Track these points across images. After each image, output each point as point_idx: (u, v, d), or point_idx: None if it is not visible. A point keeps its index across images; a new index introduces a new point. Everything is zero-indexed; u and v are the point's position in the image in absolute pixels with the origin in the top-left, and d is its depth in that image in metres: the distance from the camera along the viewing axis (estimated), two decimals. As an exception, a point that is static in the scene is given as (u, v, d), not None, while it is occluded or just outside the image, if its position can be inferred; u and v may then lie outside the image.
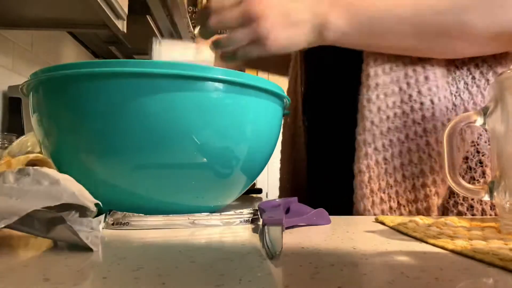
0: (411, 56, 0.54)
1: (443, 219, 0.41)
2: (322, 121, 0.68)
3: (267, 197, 0.88)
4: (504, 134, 0.33)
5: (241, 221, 0.41)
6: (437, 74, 0.55)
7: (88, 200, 0.31)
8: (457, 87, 0.56)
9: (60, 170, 0.45)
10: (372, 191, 0.53)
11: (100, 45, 1.44)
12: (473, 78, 0.56)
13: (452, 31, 0.48)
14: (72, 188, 0.30)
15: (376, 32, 0.50)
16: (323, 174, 0.68)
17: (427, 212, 0.53)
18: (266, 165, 0.53)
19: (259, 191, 1.04)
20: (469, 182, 0.49)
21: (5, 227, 0.26)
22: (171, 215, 0.39)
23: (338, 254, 0.27)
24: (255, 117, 0.46)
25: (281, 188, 0.78)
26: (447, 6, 0.46)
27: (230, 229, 0.39)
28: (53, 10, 0.86)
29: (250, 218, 0.41)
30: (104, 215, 0.35)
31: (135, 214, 0.38)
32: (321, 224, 0.41)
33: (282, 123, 0.56)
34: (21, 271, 0.23)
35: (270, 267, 0.24)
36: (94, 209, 0.32)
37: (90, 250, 0.28)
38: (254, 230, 0.38)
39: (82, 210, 0.31)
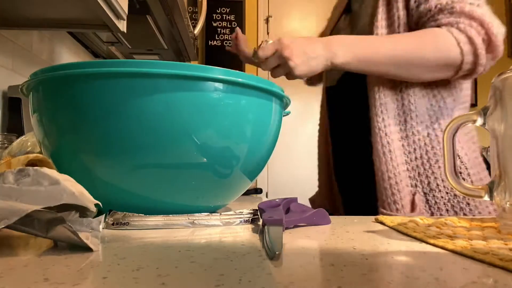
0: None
1: (443, 219, 0.41)
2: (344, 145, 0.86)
3: (267, 197, 0.88)
4: (504, 134, 0.33)
5: (241, 221, 0.41)
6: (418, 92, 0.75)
7: (88, 200, 0.31)
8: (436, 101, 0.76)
9: (60, 170, 0.45)
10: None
11: (100, 45, 1.44)
12: (461, 90, 0.77)
13: (415, 63, 0.70)
14: (72, 189, 0.30)
15: (369, 63, 0.70)
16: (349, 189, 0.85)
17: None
18: (266, 165, 0.53)
19: (259, 191, 1.03)
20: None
21: (5, 227, 0.26)
22: (171, 215, 0.39)
23: (338, 254, 0.27)
24: (255, 117, 0.46)
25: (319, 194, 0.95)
26: (414, 48, 0.69)
27: (230, 229, 0.39)
28: (53, 10, 0.86)
29: (250, 218, 0.41)
30: (104, 215, 0.35)
31: (135, 214, 0.38)
32: (321, 224, 0.41)
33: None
34: (21, 271, 0.23)
35: (270, 267, 0.24)
36: (94, 209, 0.32)
37: (90, 250, 0.28)
38: (254, 230, 0.38)
39: (82, 211, 0.31)
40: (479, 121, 0.36)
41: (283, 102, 0.51)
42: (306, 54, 0.67)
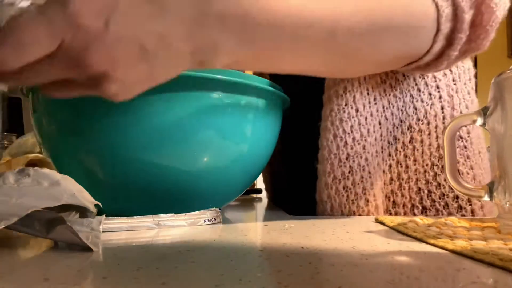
0: (358, 77, 0.52)
1: (443, 219, 0.41)
2: (296, 141, 0.68)
3: (267, 197, 0.88)
4: (504, 134, 0.33)
5: (204, 221, 0.41)
6: (383, 92, 0.55)
7: (88, 201, 0.31)
8: (404, 101, 0.56)
9: (60, 170, 0.45)
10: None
11: (100, 45, 1.44)
12: (419, 90, 0.56)
13: (365, 51, 0.43)
14: (72, 189, 0.30)
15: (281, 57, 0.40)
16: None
17: None
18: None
19: (259, 191, 1.04)
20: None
21: (5, 227, 0.26)
22: (135, 216, 0.39)
23: (338, 254, 0.27)
24: (255, 117, 0.46)
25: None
26: (359, 23, 0.40)
27: (230, 229, 0.39)
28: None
29: (213, 218, 0.42)
30: (104, 215, 0.35)
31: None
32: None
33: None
34: (21, 271, 0.23)
35: (270, 267, 0.24)
36: (94, 209, 0.32)
37: (90, 250, 0.28)
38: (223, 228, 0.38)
39: (83, 211, 0.31)
40: (479, 121, 0.36)
41: (283, 102, 0.51)
42: (143, 53, 0.30)
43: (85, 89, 0.31)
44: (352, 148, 0.53)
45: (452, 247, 0.29)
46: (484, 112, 0.36)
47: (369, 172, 0.53)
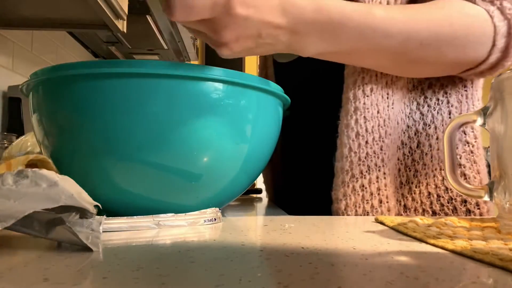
0: (386, 78, 0.55)
1: (443, 219, 0.41)
2: (297, 142, 0.69)
3: (267, 197, 0.88)
4: (504, 134, 0.33)
5: (205, 221, 0.41)
6: (397, 98, 0.57)
7: (87, 202, 0.31)
8: (410, 109, 0.58)
9: (60, 170, 0.45)
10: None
11: (100, 45, 1.44)
12: (425, 97, 0.59)
13: (429, 59, 0.51)
14: (70, 190, 0.30)
15: (358, 55, 0.50)
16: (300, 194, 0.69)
17: None
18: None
19: (259, 191, 1.03)
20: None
21: (4, 228, 0.26)
22: (135, 216, 0.38)
23: (338, 254, 0.27)
24: (255, 117, 0.46)
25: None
26: (428, 37, 0.49)
27: (230, 229, 0.39)
28: (53, 10, 0.86)
29: (213, 218, 0.42)
30: (104, 216, 0.35)
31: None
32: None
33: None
34: (21, 271, 0.23)
35: (270, 267, 0.24)
36: (94, 210, 0.32)
37: (90, 250, 0.28)
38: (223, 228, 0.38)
39: (83, 212, 0.31)
40: (479, 121, 0.36)
41: (283, 102, 0.51)
42: (258, 39, 0.44)
43: (208, 40, 0.44)
44: (371, 148, 0.54)
45: (452, 247, 0.29)
46: (484, 112, 0.36)
47: (384, 173, 0.54)
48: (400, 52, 0.49)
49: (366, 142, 0.54)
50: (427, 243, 0.31)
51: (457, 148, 0.57)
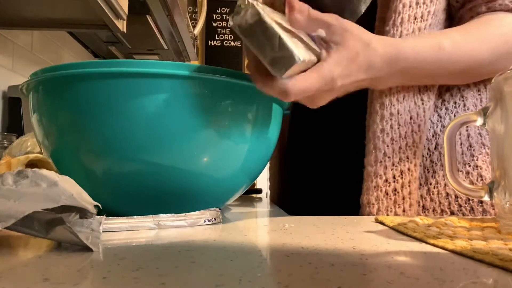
0: (419, 86, 0.57)
1: (443, 219, 0.41)
2: (305, 142, 0.69)
3: (267, 197, 0.88)
4: (504, 134, 0.33)
5: (205, 221, 0.41)
6: (430, 105, 0.58)
7: (87, 202, 0.31)
8: (429, 110, 0.59)
9: (60, 170, 0.45)
10: None
11: (100, 45, 1.44)
12: (443, 100, 0.60)
13: (484, 73, 0.56)
14: (70, 190, 0.30)
15: (419, 76, 0.53)
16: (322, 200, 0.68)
17: None
18: (266, 165, 0.53)
19: (259, 191, 1.03)
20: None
21: (4, 228, 0.26)
22: (135, 216, 0.38)
23: (338, 254, 0.27)
24: (255, 117, 0.46)
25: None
26: (488, 57, 0.53)
27: (230, 229, 0.39)
28: (53, 10, 0.86)
29: (213, 218, 0.42)
30: (104, 216, 0.35)
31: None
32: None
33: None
34: (21, 271, 0.23)
35: (270, 267, 0.24)
36: (94, 210, 0.32)
37: (90, 250, 0.28)
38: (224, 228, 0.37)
39: (83, 212, 0.31)
40: (479, 121, 0.36)
41: (283, 102, 0.51)
42: (339, 92, 0.45)
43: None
44: (404, 153, 0.55)
45: (452, 247, 0.29)
46: (484, 112, 0.36)
47: (415, 178, 0.55)
48: (462, 72, 0.54)
49: (400, 147, 0.55)
50: (427, 243, 0.31)
51: (473, 150, 0.58)
